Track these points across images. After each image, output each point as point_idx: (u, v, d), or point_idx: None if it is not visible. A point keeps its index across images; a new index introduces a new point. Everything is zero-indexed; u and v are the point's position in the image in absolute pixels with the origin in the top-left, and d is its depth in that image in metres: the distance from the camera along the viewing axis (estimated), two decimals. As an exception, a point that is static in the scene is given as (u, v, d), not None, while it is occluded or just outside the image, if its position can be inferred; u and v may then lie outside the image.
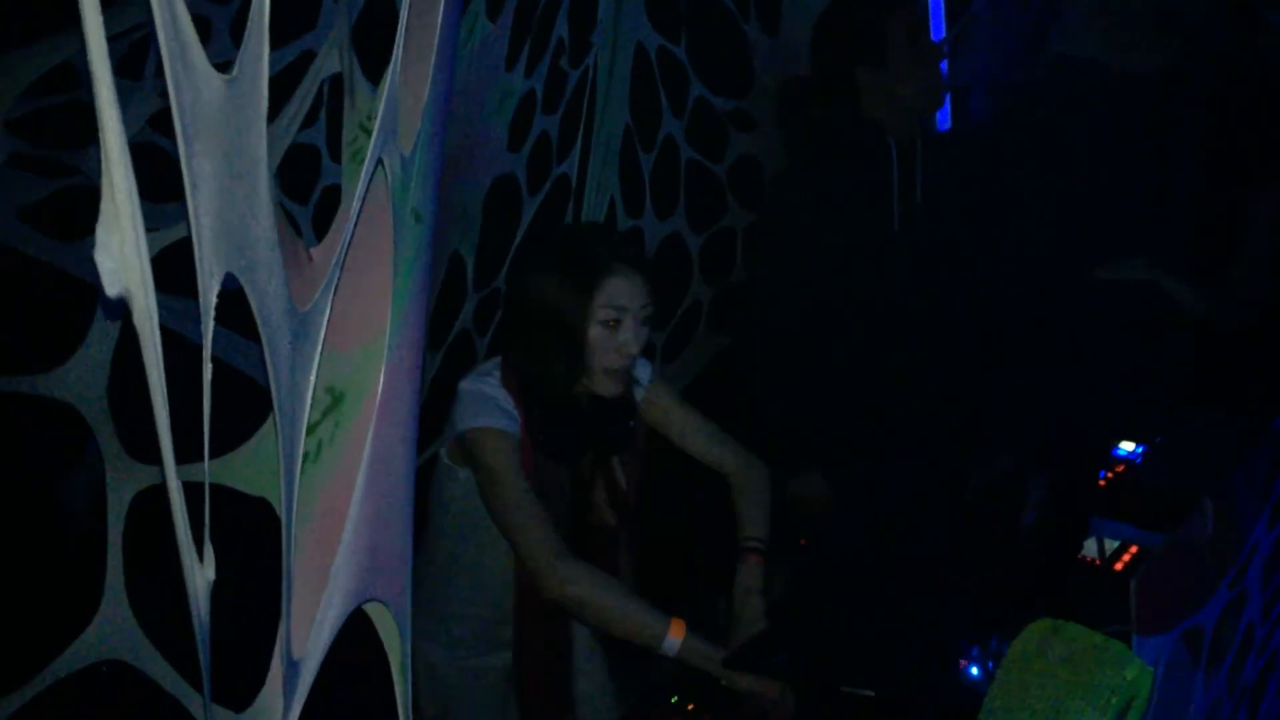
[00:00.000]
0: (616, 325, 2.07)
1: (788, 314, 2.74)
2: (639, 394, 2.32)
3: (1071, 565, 2.34)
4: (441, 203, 2.72)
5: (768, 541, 2.27)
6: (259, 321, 0.74)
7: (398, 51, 0.95)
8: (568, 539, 2.11)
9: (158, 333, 0.63)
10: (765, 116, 3.49)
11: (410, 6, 1.03)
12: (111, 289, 0.60)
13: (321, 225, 2.38)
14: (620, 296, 2.07)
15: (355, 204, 0.90)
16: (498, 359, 2.21)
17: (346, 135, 1.42)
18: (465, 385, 2.16)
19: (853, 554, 2.38)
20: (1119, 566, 2.38)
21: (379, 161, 0.94)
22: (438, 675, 2.36)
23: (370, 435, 1.01)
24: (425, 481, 2.28)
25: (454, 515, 2.22)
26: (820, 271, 2.68)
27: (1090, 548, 2.40)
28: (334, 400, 1.12)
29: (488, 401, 2.11)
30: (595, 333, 2.07)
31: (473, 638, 2.32)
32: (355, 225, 0.92)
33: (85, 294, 1.64)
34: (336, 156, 2.34)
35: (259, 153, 0.71)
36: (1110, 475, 2.64)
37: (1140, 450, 2.68)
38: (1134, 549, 2.40)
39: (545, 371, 2.12)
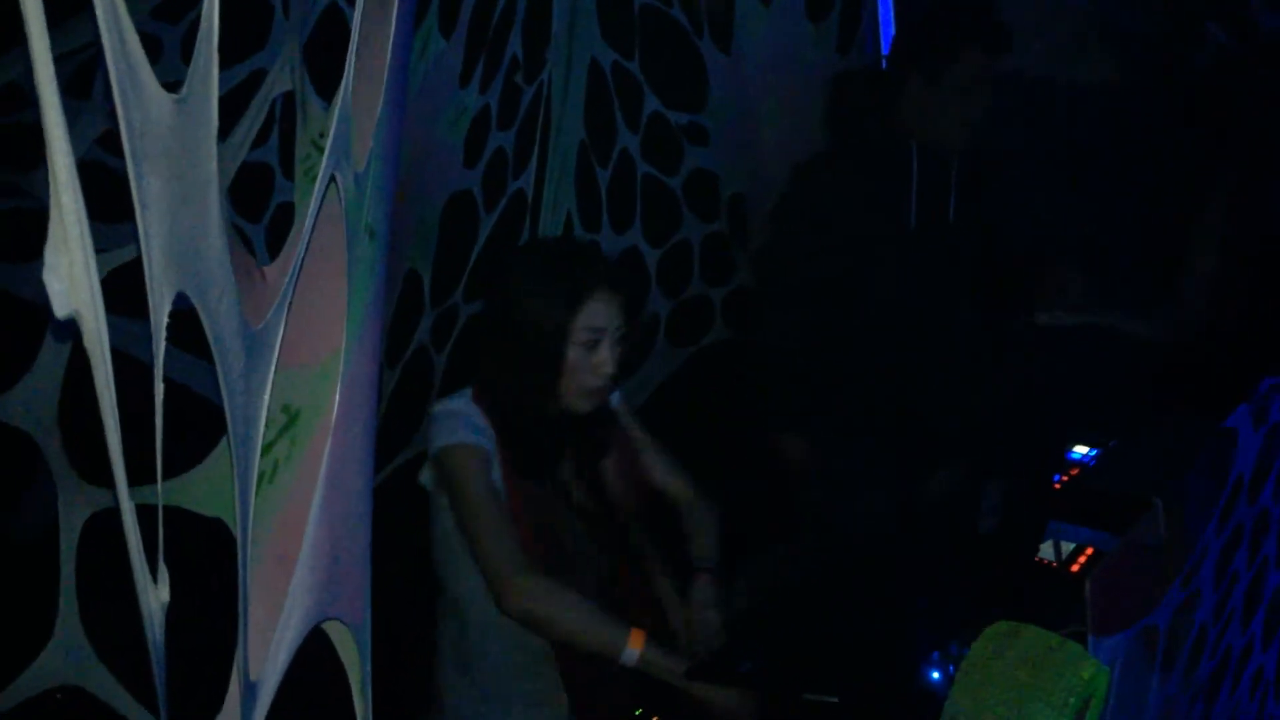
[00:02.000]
0: (594, 345, 2.07)
1: (799, 295, 2.78)
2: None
3: (1029, 568, 2.36)
4: (397, 219, 2.72)
5: (717, 562, 2.30)
6: (211, 341, 0.74)
7: (349, 70, 0.95)
8: (560, 554, 2.10)
9: (108, 354, 0.62)
10: (720, 131, 3.52)
11: (361, 25, 1.03)
12: (61, 311, 0.59)
13: (275, 242, 2.37)
14: (599, 318, 2.06)
15: (308, 222, 0.89)
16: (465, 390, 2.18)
17: (299, 153, 1.42)
18: (436, 408, 2.14)
19: (814, 560, 2.39)
20: (1075, 568, 2.41)
21: (331, 179, 0.94)
22: None
23: (326, 453, 1.01)
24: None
25: (450, 549, 2.14)
26: (831, 255, 2.72)
27: (1047, 550, 2.43)
28: (290, 419, 1.12)
29: (458, 418, 2.09)
30: (573, 354, 2.06)
31: (500, 680, 2.19)
32: (308, 243, 0.92)
33: (34, 316, 1.62)
34: (289, 174, 2.33)
35: (209, 172, 0.71)
36: (1065, 478, 2.67)
37: (1094, 453, 2.72)
38: (1090, 551, 2.43)
39: (522, 389, 2.10)
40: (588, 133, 3.25)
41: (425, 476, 2.18)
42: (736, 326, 3.51)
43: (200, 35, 0.69)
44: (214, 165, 0.71)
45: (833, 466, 2.69)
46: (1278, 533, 1.82)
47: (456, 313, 3.04)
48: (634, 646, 1.99)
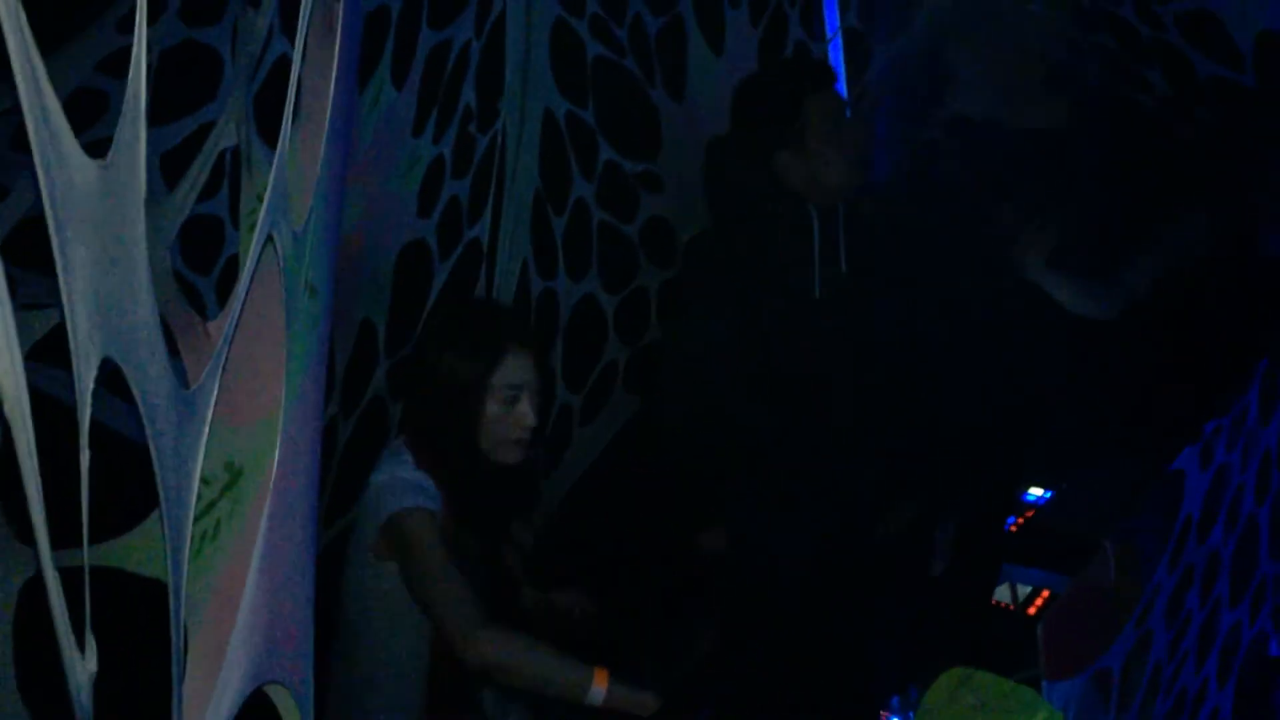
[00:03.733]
0: (514, 400, 2.21)
1: (704, 374, 2.75)
2: None
3: (985, 611, 2.38)
4: (350, 269, 2.71)
5: None
6: (140, 405, 0.73)
7: (285, 127, 0.95)
8: (494, 607, 2.16)
9: (30, 422, 0.62)
10: (674, 178, 3.54)
11: (303, 80, 1.04)
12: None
13: (225, 295, 2.35)
14: (516, 375, 2.21)
15: (243, 281, 0.89)
16: (399, 444, 2.27)
17: (244, 207, 1.41)
18: (379, 476, 2.22)
19: (770, 608, 2.39)
20: (1032, 611, 2.43)
21: (269, 237, 0.93)
22: None
23: (266, 512, 1.00)
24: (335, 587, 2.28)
25: (384, 612, 2.23)
26: (738, 333, 2.70)
27: (1003, 593, 2.44)
28: (232, 477, 1.10)
29: (409, 485, 2.18)
30: (494, 410, 2.20)
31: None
32: (245, 301, 0.91)
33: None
34: (239, 226, 2.31)
35: (136, 234, 0.71)
36: (1020, 520, 2.69)
37: (1048, 495, 2.75)
38: (1046, 593, 2.45)
39: (448, 445, 2.22)
40: (543, 181, 3.27)
41: (366, 549, 2.23)
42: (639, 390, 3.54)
43: (127, 99, 0.69)
44: (142, 228, 0.71)
45: (753, 538, 2.67)
46: (1229, 573, 1.84)
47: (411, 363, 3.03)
48: (599, 685, 2.03)
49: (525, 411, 2.21)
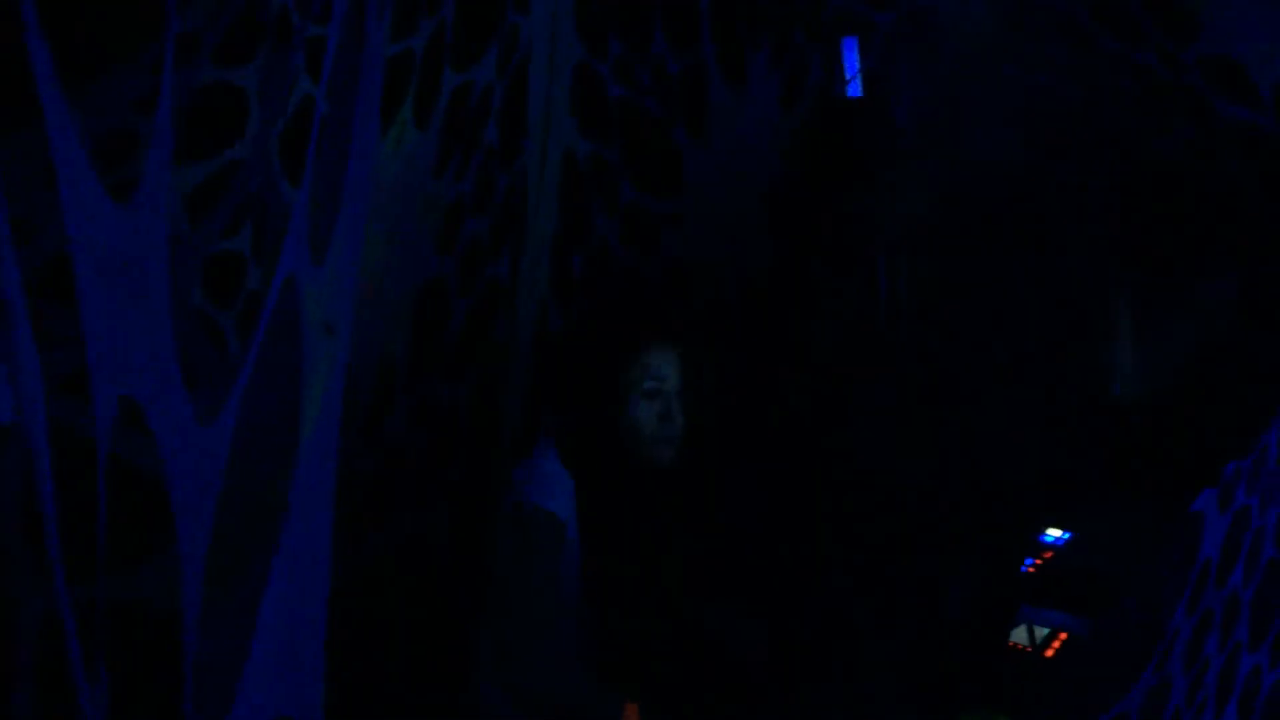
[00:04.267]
0: (655, 395, 2.21)
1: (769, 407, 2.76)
2: None
3: (1001, 653, 2.35)
4: (369, 307, 2.73)
5: None
6: (158, 440, 0.74)
7: (309, 168, 0.97)
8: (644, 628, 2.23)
9: (48, 460, 0.63)
10: (695, 218, 3.56)
11: (326, 123, 1.06)
12: (3, 417, 0.60)
13: (245, 332, 2.38)
14: (660, 370, 2.22)
15: (263, 319, 0.91)
16: (547, 443, 2.27)
17: (266, 245, 1.43)
18: (519, 472, 2.22)
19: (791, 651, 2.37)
20: (1050, 653, 2.40)
21: (289, 276, 0.95)
22: None
23: (281, 547, 1.01)
24: None
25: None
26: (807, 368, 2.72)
27: (1020, 635, 2.42)
28: (251, 508, 1.11)
29: (548, 480, 2.20)
30: (638, 411, 2.21)
31: None
32: (264, 338, 0.93)
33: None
34: (260, 263, 2.34)
35: (160, 274, 0.72)
36: (1038, 562, 2.67)
37: (1066, 536, 2.72)
38: (1064, 635, 2.42)
39: (589, 444, 2.23)
40: (563, 220, 3.29)
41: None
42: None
43: (154, 141, 0.71)
44: (165, 268, 0.72)
45: None
46: (1249, 617, 1.82)
47: (430, 398, 3.04)
48: None
49: (669, 412, 2.20)
